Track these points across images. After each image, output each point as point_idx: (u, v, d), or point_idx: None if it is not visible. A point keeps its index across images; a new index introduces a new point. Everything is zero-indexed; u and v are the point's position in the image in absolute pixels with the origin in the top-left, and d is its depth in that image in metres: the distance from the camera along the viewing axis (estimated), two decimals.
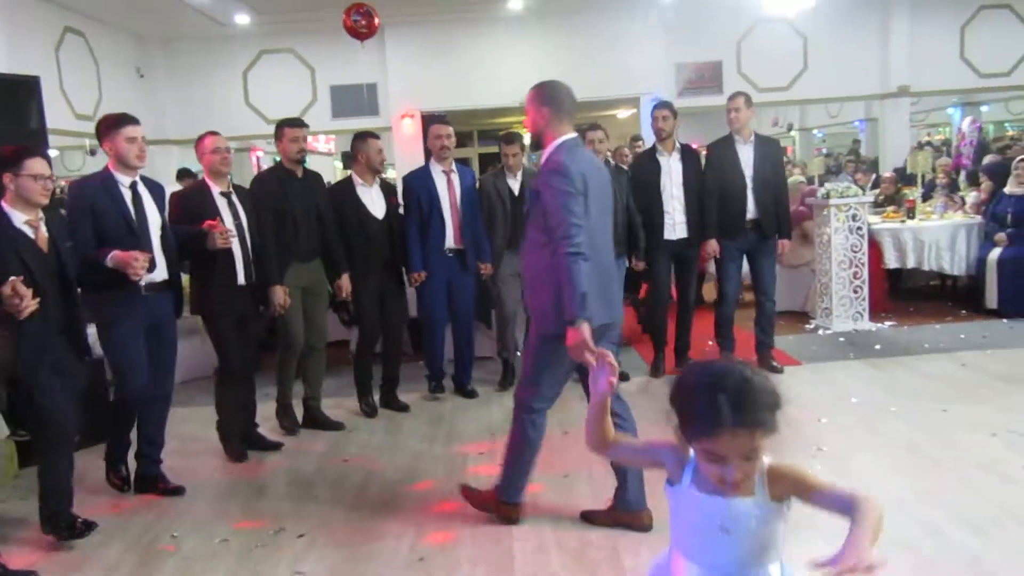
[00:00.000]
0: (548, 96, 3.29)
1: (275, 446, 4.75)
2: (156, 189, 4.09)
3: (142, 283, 3.83)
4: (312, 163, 13.03)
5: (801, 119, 18.49)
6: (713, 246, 5.57)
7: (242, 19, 10.72)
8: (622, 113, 13.77)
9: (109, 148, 3.87)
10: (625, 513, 3.44)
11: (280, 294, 4.64)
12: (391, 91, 12.13)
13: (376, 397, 5.38)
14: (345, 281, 5.00)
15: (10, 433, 4.18)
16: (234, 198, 4.48)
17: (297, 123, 4.95)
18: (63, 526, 3.54)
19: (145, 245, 3.85)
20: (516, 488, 3.53)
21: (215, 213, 4.34)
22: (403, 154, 12.15)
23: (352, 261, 5.03)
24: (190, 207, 4.35)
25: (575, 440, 4.52)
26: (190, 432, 5.06)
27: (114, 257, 3.61)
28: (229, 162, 4.50)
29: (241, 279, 4.43)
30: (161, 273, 3.98)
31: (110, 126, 3.88)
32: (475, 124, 15.16)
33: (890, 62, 12.21)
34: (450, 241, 5.33)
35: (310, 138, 12.92)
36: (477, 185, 5.58)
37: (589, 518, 3.55)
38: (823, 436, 4.39)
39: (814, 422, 4.62)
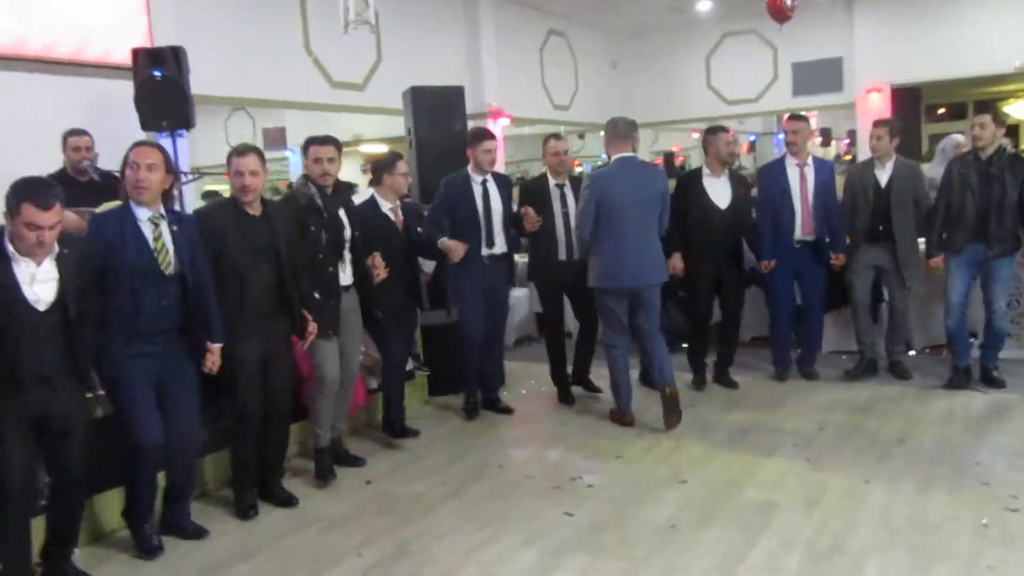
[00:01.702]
0: (607, 126, 4.81)
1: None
2: (504, 182, 5.07)
3: (484, 254, 4.85)
4: None
5: None
6: None
7: (704, 5, 11.22)
8: None
9: (471, 155, 4.94)
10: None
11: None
12: (857, 64, 11.50)
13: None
14: (676, 260, 5.34)
15: (416, 367, 5.41)
16: (566, 189, 5.21)
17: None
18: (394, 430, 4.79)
19: (487, 227, 4.92)
20: (621, 401, 4.89)
21: (547, 200, 5.14)
22: (865, 131, 11.45)
23: (689, 246, 5.33)
24: (531, 193, 5.24)
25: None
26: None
27: (443, 243, 4.75)
28: (565, 163, 5.28)
29: (562, 255, 5.17)
30: (500, 248, 5.00)
31: (475, 138, 4.95)
32: (969, 94, 13.44)
33: None
34: (799, 232, 5.37)
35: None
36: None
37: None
38: None
39: None
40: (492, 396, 5.34)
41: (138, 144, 3.36)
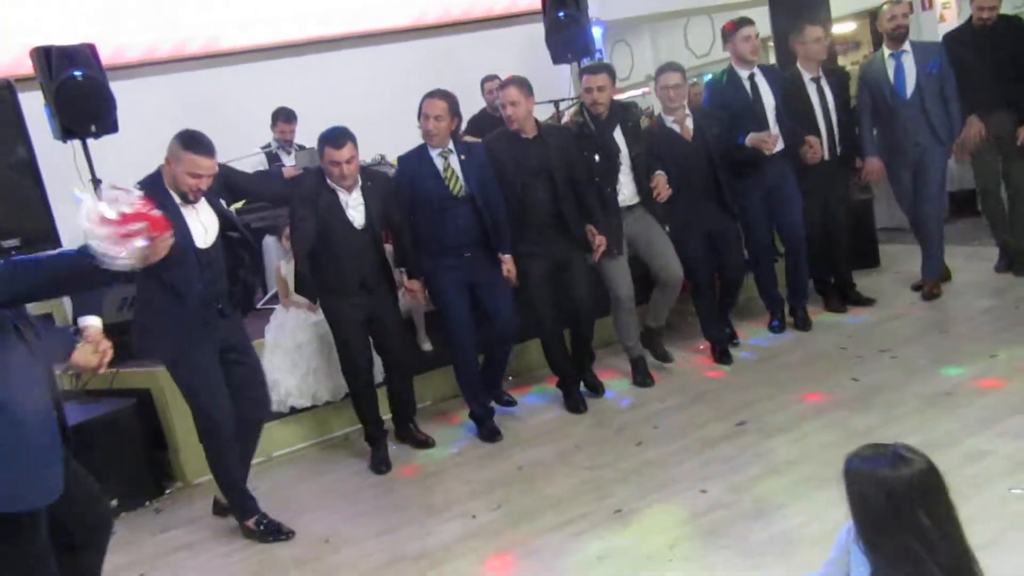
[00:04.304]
0: None
1: None
2: (772, 74, 4.75)
3: (767, 153, 4.55)
4: None
5: None
6: None
7: None
8: None
9: (731, 50, 4.70)
10: None
11: (874, 165, 4.95)
12: None
13: None
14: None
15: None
16: (822, 83, 4.84)
17: None
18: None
19: (763, 123, 4.62)
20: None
21: (805, 95, 4.82)
22: None
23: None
24: (789, 90, 4.80)
25: None
26: None
27: (750, 138, 4.52)
28: (823, 52, 4.85)
29: (825, 155, 4.77)
30: (779, 145, 4.63)
31: (732, 28, 4.68)
32: None
33: None
34: None
35: None
36: None
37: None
38: None
39: None
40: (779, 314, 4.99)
41: (427, 96, 3.86)
